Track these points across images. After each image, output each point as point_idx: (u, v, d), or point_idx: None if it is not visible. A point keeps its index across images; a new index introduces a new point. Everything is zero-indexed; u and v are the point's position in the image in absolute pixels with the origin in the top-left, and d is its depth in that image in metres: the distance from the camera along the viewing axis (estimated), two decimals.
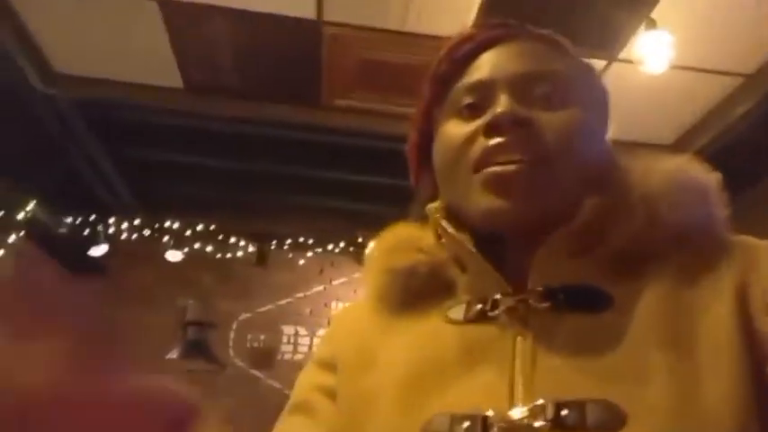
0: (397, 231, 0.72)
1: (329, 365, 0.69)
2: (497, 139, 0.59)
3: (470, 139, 0.62)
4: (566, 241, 0.59)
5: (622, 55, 3.01)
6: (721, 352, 0.52)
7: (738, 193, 4.02)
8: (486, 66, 0.65)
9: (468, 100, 0.64)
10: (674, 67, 2.97)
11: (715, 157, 3.75)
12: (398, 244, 0.70)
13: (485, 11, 2.77)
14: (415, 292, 0.66)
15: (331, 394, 0.67)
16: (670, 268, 0.58)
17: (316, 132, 3.87)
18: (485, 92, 0.63)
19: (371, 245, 0.74)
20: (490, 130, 0.60)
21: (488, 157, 0.60)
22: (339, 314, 0.80)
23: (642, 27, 2.83)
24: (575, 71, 0.66)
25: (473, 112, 0.63)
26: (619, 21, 2.86)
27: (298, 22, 3.03)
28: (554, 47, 0.67)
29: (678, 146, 3.89)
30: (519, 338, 0.57)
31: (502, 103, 0.60)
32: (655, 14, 2.81)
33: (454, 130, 0.64)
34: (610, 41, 2.92)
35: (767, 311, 0.52)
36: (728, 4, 2.80)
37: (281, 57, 3.29)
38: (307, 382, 0.71)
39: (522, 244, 0.61)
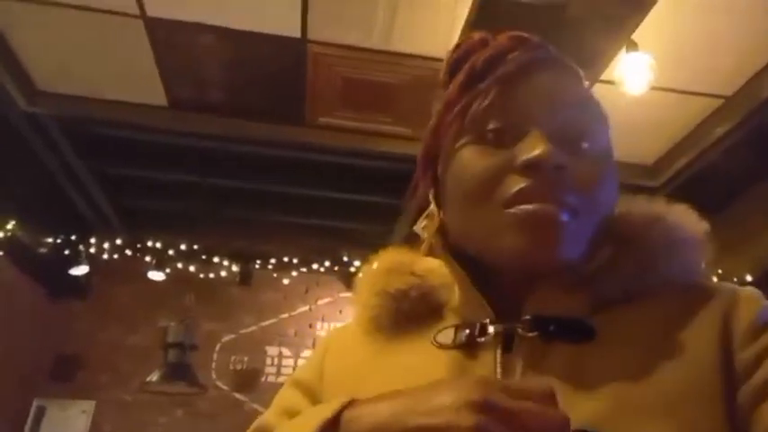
0: (390, 255, 0.73)
1: (311, 392, 0.68)
2: (534, 181, 0.57)
3: (501, 172, 0.59)
4: (566, 280, 0.61)
5: (603, 76, 3.04)
6: (695, 387, 0.54)
7: (717, 213, 4.03)
8: (523, 95, 0.62)
9: (496, 125, 0.61)
10: (655, 89, 3.01)
11: (695, 177, 3.82)
12: (393, 267, 0.71)
13: (469, 31, 2.80)
14: (406, 315, 0.67)
15: None
16: (654, 309, 0.60)
17: (299, 150, 3.87)
18: (518, 122, 0.60)
19: (364, 267, 0.74)
20: (528, 171, 0.58)
21: (524, 197, 0.58)
22: (327, 338, 0.76)
23: (623, 49, 2.88)
24: (594, 108, 0.65)
25: (500, 139, 0.60)
26: (601, 42, 2.90)
27: (282, 40, 3.04)
28: (578, 78, 0.66)
29: (658, 166, 3.93)
30: (506, 365, 0.58)
31: (541, 145, 0.58)
32: (636, 36, 2.86)
33: (480, 158, 0.60)
34: (591, 62, 2.96)
35: (744, 347, 0.56)
36: (709, 26, 2.85)
37: (266, 75, 3.30)
38: (281, 406, 0.69)
39: (520, 278, 0.61)
